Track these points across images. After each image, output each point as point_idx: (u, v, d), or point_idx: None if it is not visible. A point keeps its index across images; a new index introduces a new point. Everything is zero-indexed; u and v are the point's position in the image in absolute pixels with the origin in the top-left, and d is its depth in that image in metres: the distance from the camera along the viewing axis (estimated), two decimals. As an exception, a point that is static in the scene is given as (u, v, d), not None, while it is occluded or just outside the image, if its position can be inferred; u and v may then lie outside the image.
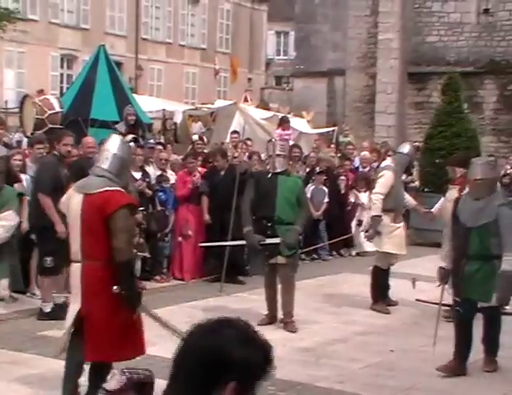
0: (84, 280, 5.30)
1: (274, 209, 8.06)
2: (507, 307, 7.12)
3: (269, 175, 8.30)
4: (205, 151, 12.82)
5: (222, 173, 10.85)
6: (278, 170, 8.19)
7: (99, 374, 5.07)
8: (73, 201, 5.38)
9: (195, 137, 13.74)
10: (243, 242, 8.90)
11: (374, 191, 9.25)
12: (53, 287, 8.39)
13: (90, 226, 5.23)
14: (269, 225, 8.10)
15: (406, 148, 9.71)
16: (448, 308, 8.45)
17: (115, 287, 5.08)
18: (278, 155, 8.25)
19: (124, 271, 5.16)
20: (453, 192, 8.66)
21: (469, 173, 6.90)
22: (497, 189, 7.06)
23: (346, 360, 7.18)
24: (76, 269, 5.41)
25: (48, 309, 8.25)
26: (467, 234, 6.54)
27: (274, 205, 8.05)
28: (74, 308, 5.41)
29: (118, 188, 5.33)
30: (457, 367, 6.59)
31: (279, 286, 8.33)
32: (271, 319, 8.27)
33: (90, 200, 5.23)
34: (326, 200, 12.97)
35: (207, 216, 10.63)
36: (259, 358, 2.04)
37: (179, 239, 10.65)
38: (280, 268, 8.21)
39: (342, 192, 13.59)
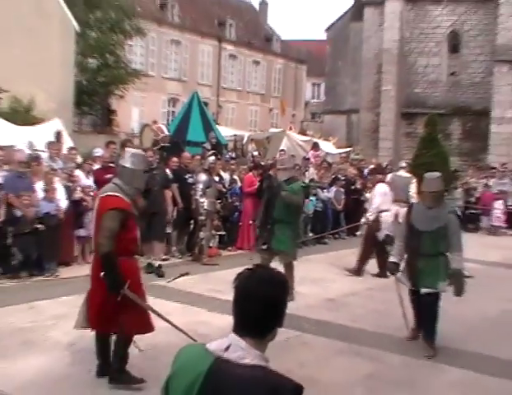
0: (93, 267, 4.42)
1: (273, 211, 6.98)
2: (466, 273, 5.81)
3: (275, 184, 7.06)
4: (262, 163, 12.79)
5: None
6: (283, 179, 6.99)
7: (120, 346, 4.38)
8: (96, 201, 4.54)
9: (255, 153, 13.72)
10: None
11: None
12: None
13: (97, 224, 4.34)
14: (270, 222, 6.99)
15: (402, 164, 10.23)
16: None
17: (102, 273, 4.21)
18: (278, 169, 7.15)
19: (104, 261, 4.19)
20: (379, 188, 8.80)
21: (423, 186, 5.64)
22: (444, 199, 5.84)
23: (357, 307, 7.04)
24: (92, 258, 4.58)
25: (158, 263, 8.20)
26: (420, 237, 5.45)
27: (274, 207, 6.97)
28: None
29: (117, 194, 4.33)
30: (416, 334, 5.83)
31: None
32: None
33: (99, 201, 4.40)
34: (343, 197, 12.84)
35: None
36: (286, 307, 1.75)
37: (251, 222, 10.57)
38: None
39: (359, 189, 13.24)
